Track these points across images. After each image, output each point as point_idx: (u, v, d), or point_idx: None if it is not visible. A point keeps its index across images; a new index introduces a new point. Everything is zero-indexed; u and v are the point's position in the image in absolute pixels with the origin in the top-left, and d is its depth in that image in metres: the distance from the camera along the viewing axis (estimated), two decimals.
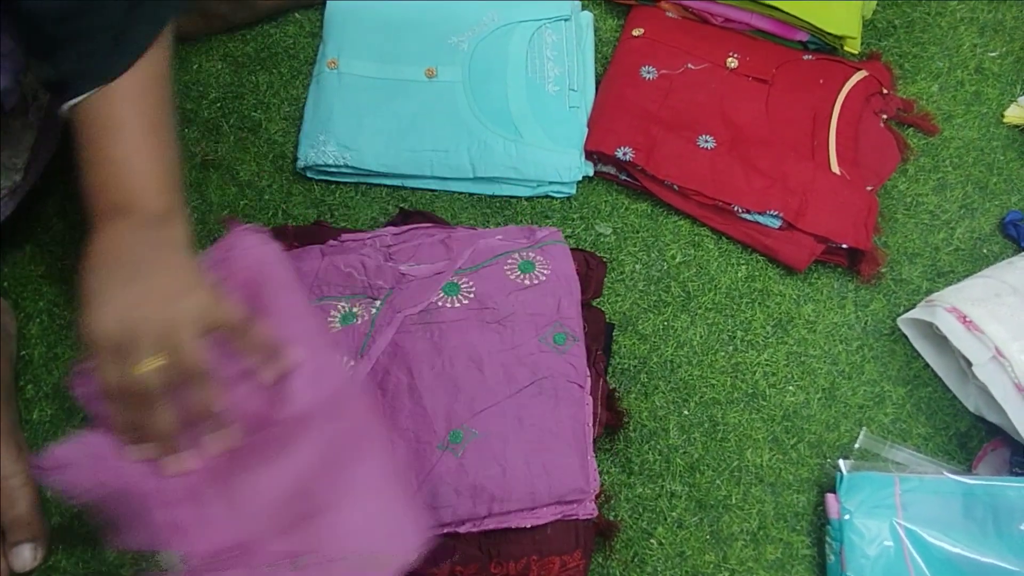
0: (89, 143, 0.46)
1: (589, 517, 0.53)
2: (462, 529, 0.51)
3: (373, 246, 0.62)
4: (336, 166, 0.70)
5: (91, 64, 0.45)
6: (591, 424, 0.55)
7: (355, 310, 0.57)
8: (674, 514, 0.60)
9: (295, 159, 0.72)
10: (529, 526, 0.51)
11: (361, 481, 0.43)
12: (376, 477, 0.44)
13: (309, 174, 0.71)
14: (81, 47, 0.45)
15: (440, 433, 0.52)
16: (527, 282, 0.58)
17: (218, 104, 0.75)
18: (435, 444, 0.52)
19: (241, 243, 0.46)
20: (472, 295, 0.57)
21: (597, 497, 0.55)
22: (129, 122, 0.45)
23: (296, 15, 0.80)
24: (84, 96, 0.45)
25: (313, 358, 0.44)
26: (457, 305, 0.57)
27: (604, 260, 0.64)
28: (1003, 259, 0.67)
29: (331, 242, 0.63)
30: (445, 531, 0.51)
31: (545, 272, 0.58)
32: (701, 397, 0.64)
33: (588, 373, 0.57)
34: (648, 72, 0.74)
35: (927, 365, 0.65)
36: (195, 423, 0.42)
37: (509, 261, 0.59)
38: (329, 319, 0.57)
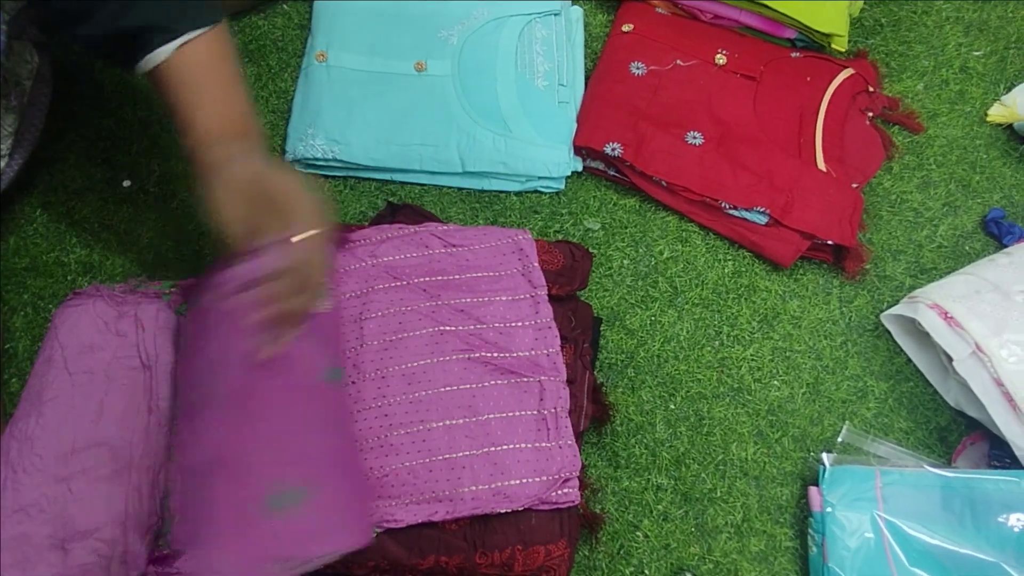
0: (187, 89, 0.51)
1: (572, 504, 0.53)
2: (436, 517, 0.51)
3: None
4: (324, 160, 0.70)
5: (195, 12, 0.51)
6: (560, 406, 0.55)
7: None
8: (660, 507, 0.60)
9: (283, 152, 0.72)
10: (505, 511, 0.52)
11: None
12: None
13: (297, 167, 0.71)
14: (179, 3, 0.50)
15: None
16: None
17: None
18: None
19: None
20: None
21: (583, 489, 0.56)
22: (217, 71, 0.52)
23: (284, 6, 0.79)
24: (195, 34, 0.50)
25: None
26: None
27: (590, 252, 0.65)
28: (985, 256, 0.68)
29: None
30: (423, 520, 0.51)
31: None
32: (687, 391, 0.64)
33: (563, 389, 0.57)
34: (637, 68, 0.74)
35: (909, 360, 0.66)
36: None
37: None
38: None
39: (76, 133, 0.72)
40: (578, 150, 0.71)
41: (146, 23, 0.50)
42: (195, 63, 0.51)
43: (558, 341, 0.57)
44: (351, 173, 0.71)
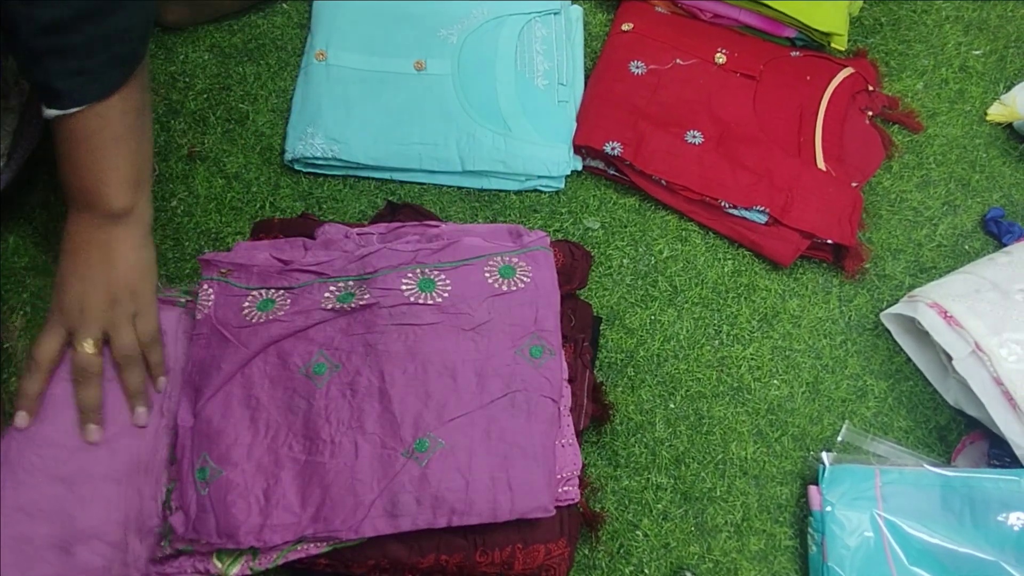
0: (65, 146, 0.51)
1: (572, 503, 0.53)
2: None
3: (355, 240, 0.61)
4: (324, 159, 0.70)
5: (86, 81, 0.49)
6: (561, 405, 0.55)
7: (277, 298, 0.57)
8: (659, 506, 0.60)
9: (283, 152, 0.72)
10: None
11: None
12: None
13: (297, 167, 0.71)
14: (75, 62, 0.48)
15: (406, 440, 0.52)
16: (505, 288, 0.57)
17: (205, 95, 0.74)
18: (400, 451, 0.51)
19: None
20: (447, 294, 0.56)
21: (583, 488, 0.56)
22: (100, 132, 0.51)
23: (284, 5, 0.79)
24: (76, 110, 0.49)
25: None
26: (430, 303, 0.56)
27: (589, 252, 0.65)
28: (984, 255, 0.68)
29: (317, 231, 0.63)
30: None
31: (525, 279, 0.57)
32: (687, 391, 0.64)
33: (565, 387, 0.56)
34: (637, 67, 0.74)
35: (909, 359, 0.66)
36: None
37: (490, 263, 0.58)
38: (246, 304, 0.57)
39: None
40: (578, 149, 0.71)
41: (44, 82, 0.48)
42: (76, 131, 0.50)
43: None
44: (351, 172, 0.71)
